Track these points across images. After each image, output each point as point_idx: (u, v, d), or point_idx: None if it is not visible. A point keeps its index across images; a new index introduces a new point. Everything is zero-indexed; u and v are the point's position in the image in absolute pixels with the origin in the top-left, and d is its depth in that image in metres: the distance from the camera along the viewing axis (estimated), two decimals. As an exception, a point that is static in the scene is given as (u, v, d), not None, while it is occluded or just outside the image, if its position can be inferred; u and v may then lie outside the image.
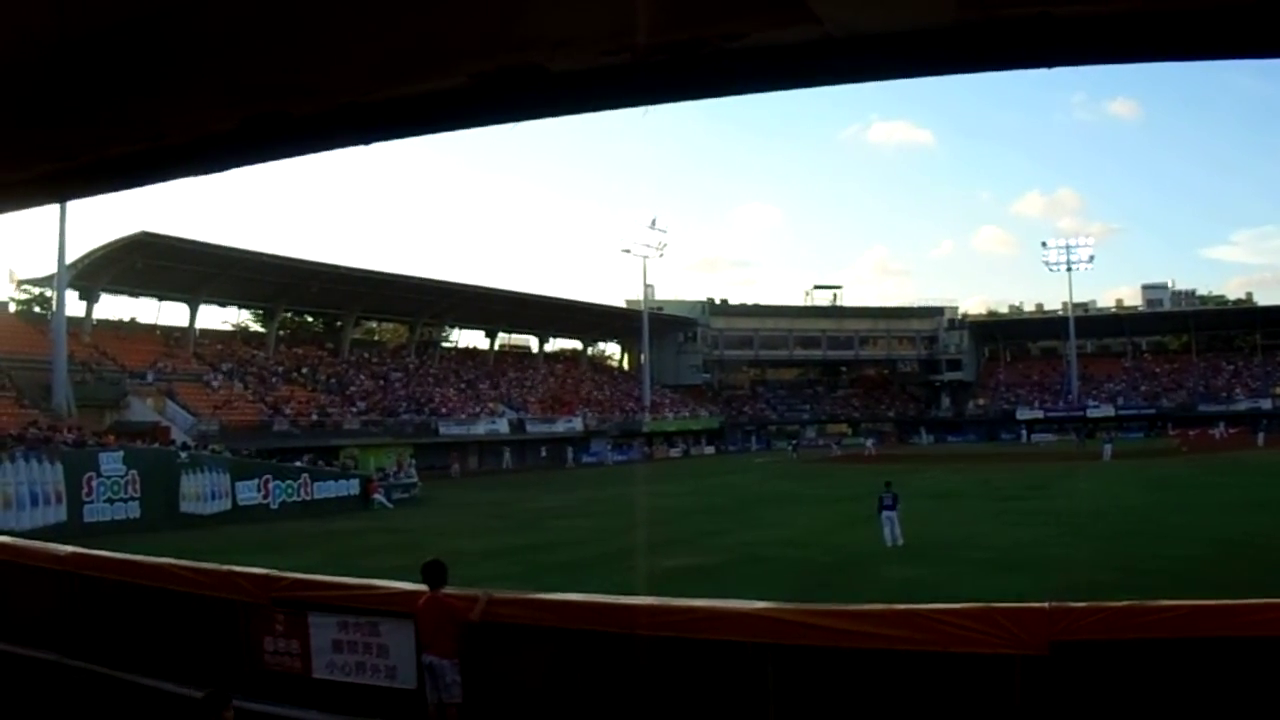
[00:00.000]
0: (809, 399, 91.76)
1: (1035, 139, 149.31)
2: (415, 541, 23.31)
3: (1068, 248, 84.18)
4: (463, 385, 66.53)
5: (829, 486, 40.13)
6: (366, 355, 65.43)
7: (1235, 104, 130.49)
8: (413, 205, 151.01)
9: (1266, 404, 74.39)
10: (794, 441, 76.46)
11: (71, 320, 43.26)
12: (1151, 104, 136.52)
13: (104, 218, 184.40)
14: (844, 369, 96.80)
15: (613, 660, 7.09)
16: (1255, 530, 21.33)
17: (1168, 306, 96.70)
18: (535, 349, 79.69)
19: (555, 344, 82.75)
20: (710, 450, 78.21)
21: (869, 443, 71.98)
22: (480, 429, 61.65)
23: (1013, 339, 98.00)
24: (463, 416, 61.35)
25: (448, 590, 7.72)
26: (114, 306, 54.59)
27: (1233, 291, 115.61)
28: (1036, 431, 79.73)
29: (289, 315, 65.23)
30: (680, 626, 6.81)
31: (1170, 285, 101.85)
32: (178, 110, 2.31)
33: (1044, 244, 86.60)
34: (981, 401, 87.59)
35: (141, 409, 43.15)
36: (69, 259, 40.79)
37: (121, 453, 30.87)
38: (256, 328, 61.97)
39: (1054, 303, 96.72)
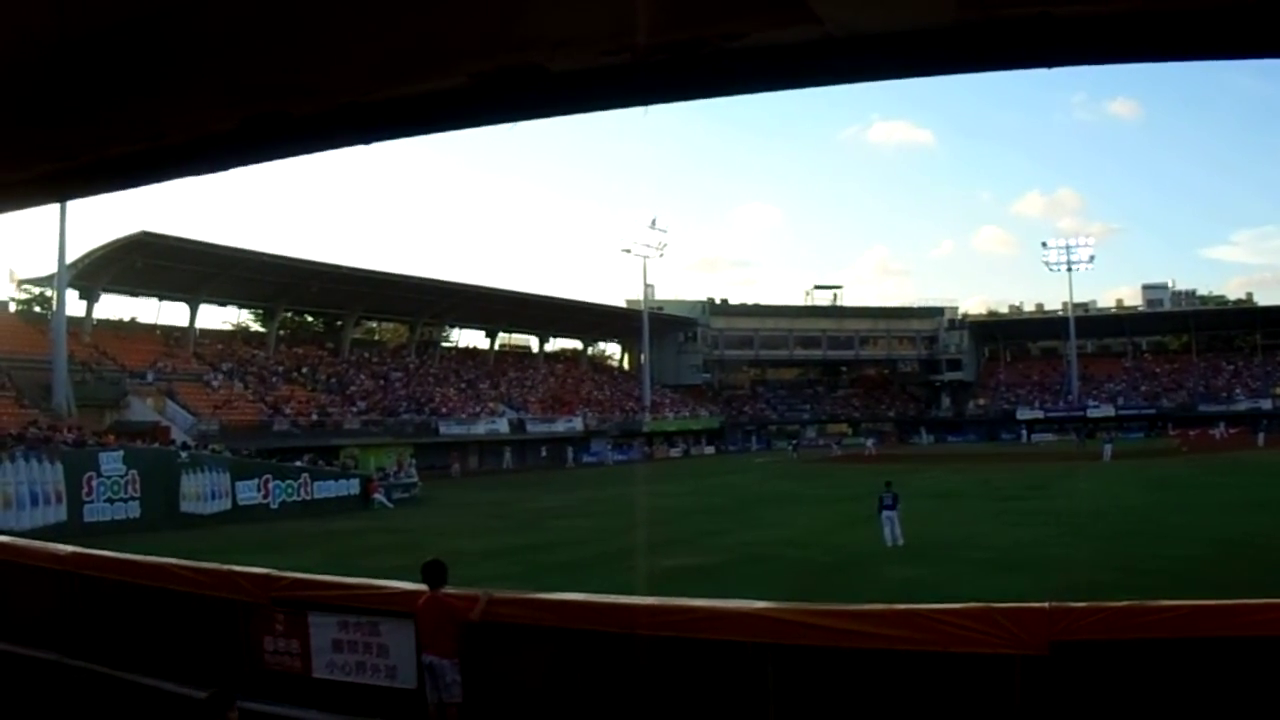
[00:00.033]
0: (809, 399, 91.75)
1: (1035, 139, 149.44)
2: (415, 541, 23.30)
3: (1068, 248, 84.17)
4: (463, 385, 66.53)
5: (829, 486, 40.12)
6: (367, 355, 65.43)
7: (1235, 104, 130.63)
8: (413, 205, 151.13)
9: (1267, 404, 74.37)
10: (794, 441, 76.46)
11: (71, 320, 43.27)
12: (1151, 104, 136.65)
13: (104, 217, 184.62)
14: (844, 369, 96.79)
15: (613, 660, 7.09)
16: (1255, 530, 21.33)
17: (1168, 306, 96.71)
18: (535, 349, 79.70)
19: (555, 344, 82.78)
20: (710, 450, 78.19)
21: (869, 443, 71.97)
22: (480, 429, 61.65)
23: (1013, 339, 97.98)
24: (463, 416, 61.35)
25: (448, 590, 7.72)
26: (114, 306, 54.68)
27: (1233, 291, 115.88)
28: (1037, 431, 79.72)
29: (289, 315, 65.23)
30: (680, 626, 6.81)
31: (1170, 285, 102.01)
32: (178, 110, 2.31)
33: (1044, 244, 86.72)
34: (982, 401, 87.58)
35: (141, 409, 43.15)
36: (69, 259, 40.79)
37: (121, 452, 30.87)
38: (257, 327, 61.97)
39: (1054, 303, 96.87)
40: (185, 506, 31.57)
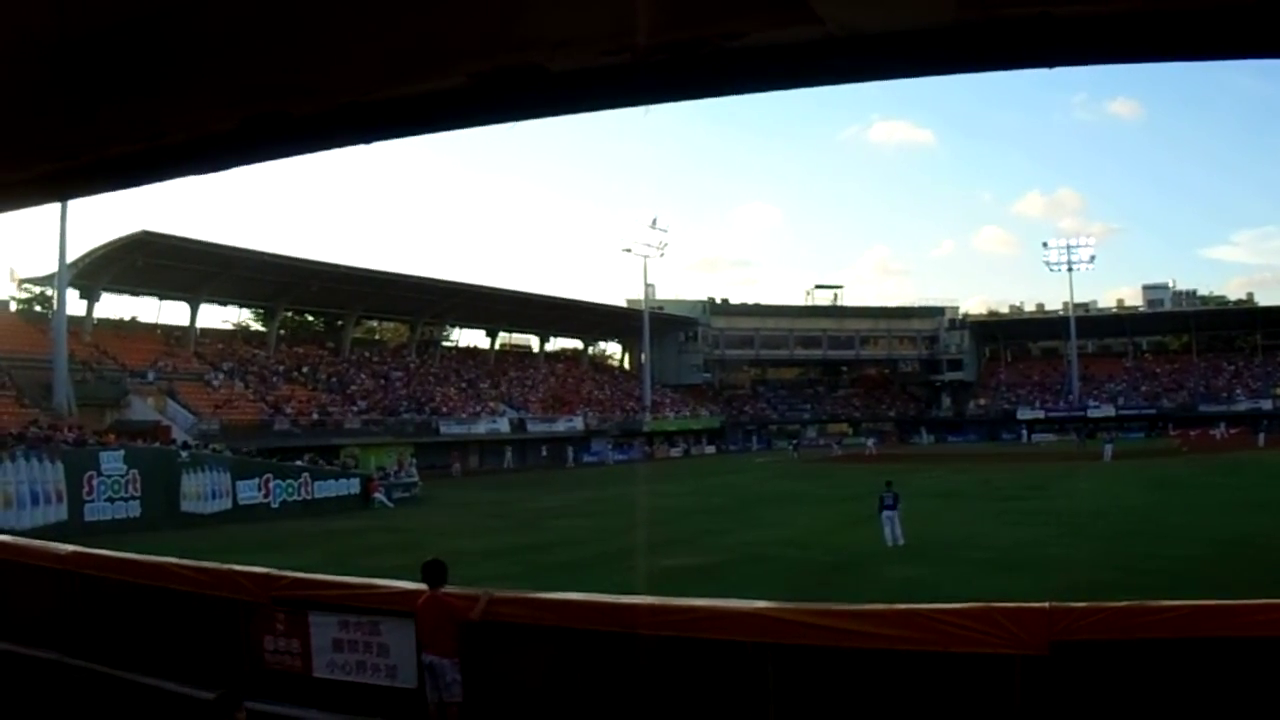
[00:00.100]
0: (810, 399, 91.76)
1: (1035, 139, 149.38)
2: (416, 541, 23.31)
3: (1068, 248, 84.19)
4: (463, 385, 66.55)
5: (830, 486, 40.13)
6: (367, 354, 65.46)
7: (1235, 104, 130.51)
8: (413, 205, 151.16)
9: (1267, 404, 74.35)
10: (795, 441, 76.47)
11: (72, 319, 43.30)
12: (1151, 104, 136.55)
13: (104, 217, 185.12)
14: (845, 369, 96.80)
15: (613, 660, 7.10)
16: (1255, 530, 21.34)
17: (1168, 307, 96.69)
18: (536, 348, 79.72)
19: (556, 343, 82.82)
20: (711, 450, 78.21)
21: (870, 442, 71.97)
22: (481, 428, 61.67)
23: (1013, 339, 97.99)
24: (463, 416, 61.37)
25: (448, 589, 7.73)
26: (115, 305, 54.80)
27: (1233, 292, 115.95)
28: (1037, 431, 79.72)
29: (290, 314, 65.26)
30: (681, 626, 6.81)
31: (1171, 285, 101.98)
32: (178, 110, 2.31)
33: (1045, 244, 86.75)
34: (982, 401, 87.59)
35: (142, 408, 43.17)
36: (70, 258, 40.80)
37: (122, 452, 30.88)
38: (257, 327, 62.01)
39: (1054, 303, 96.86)
40: (186, 506, 31.59)
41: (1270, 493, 29.56)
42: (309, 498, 35.86)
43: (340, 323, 65.40)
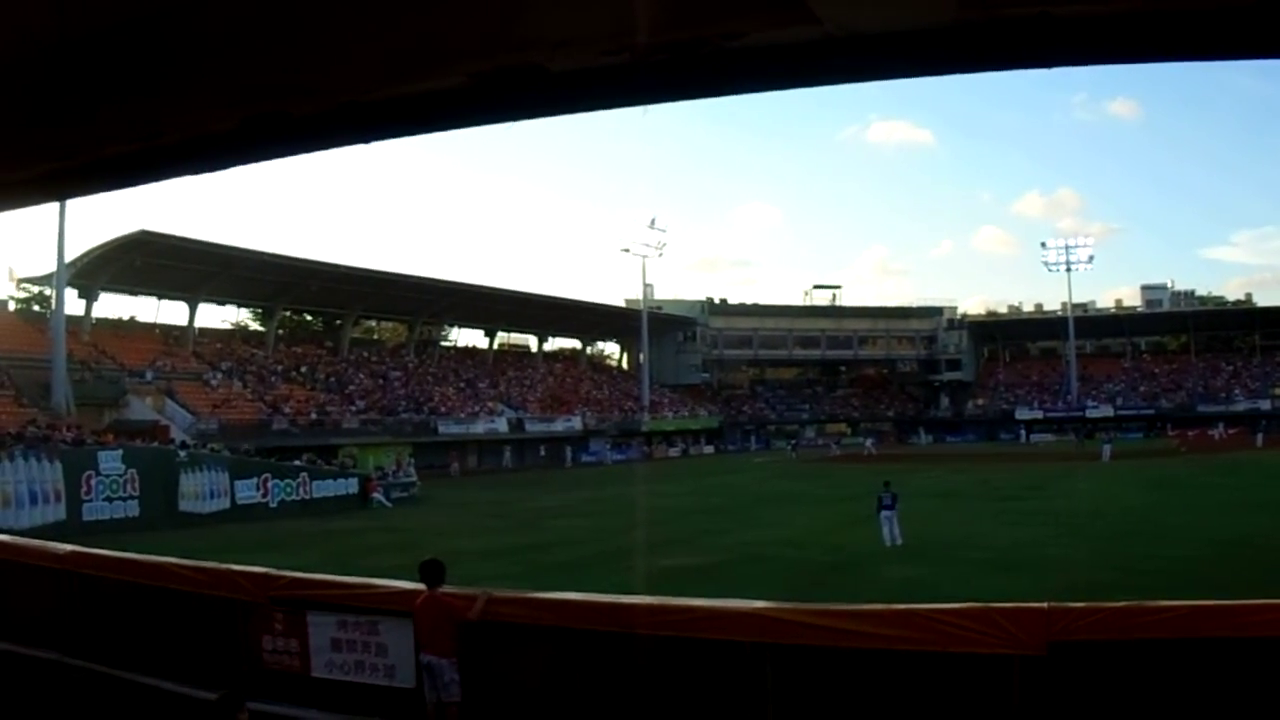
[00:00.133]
0: (808, 399, 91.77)
1: (1035, 139, 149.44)
2: (414, 541, 23.30)
3: (1067, 248, 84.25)
4: (462, 384, 66.54)
5: (828, 486, 40.14)
6: (366, 354, 65.44)
7: (1235, 104, 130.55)
8: (413, 205, 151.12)
9: (1265, 404, 74.41)
10: (793, 441, 76.43)
11: (71, 319, 43.27)
12: (1151, 104, 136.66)
13: (103, 216, 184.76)
14: (843, 369, 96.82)
15: (612, 660, 7.10)
16: (1254, 530, 21.36)
17: (1167, 307, 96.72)
18: (534, 348, 79.70)
19: (554, 343, 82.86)
20: (709, 450, 78.20)
21: (868, 442, 71.97)
22: (479, 428, 61.66)
23: (1012, 339, 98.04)
24: (462, 415, 61.35)
25: (446, 589, 7.73)
26: (113, 305, 54.77)
27: (1232, 292, 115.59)
28: (1035, 432, 79.75)
29: (288, 314, 65.22)
30: (679, 626, 6.81)
31: (1170, 286, 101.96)
32: (177, 110, 2.31)
33: (1044, 244, 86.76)
34: (980, 401, 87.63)
35: (141, 408, 43.15)
36: (68, 257, 40.81)
37: (120, 451, 30.86)
38: (256, 326, 62.00)
39: (1053, 303, 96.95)
40: (184, 505, 31.57)
41: (1269, 493, 29.59)
42: (307, 497, 35.84)
43: (339, 322, 65.38)
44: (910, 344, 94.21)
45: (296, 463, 38.54)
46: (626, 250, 76.60)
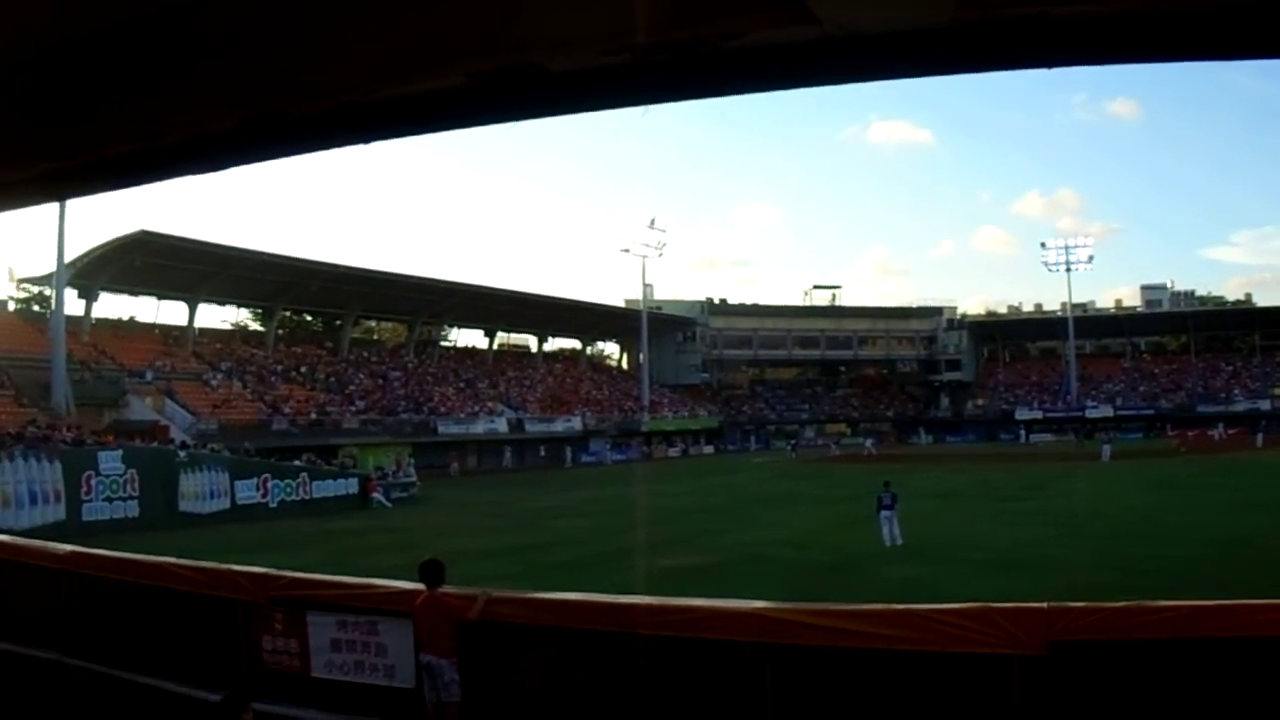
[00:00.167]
0: (808, 399, 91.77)
1: (1035, 139, 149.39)
2: (414, 541, 23.30)
3: (1067, 248, 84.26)
4: (462, 384, 66.53)
5: (828, 486, 40.13)
6: (365, 354, 65.42)
7: (1235, 104, 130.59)
8: (413, 205, 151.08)
9: (1265, 405, 74.40)
10: (793, 441, 76.40)
11: (70, 319, 43.26)
12: (1151, 104, 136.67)
13: (103, 216, 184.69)
14: (843, 369, 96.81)
15: (612, 660, 7.10)
16: (1254, 530, 21.35)
17: (1167, 307, 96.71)
18: (534, 348, 79.70)
19: (554, 343, 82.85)
20: (709, 450, 78.20)
21: (868, 443, 71.96)
22: (479, 428, 61.65)
23: (1012, 339, 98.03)
24: (462, 416, 61.35)
25: (446, 589, 7.72)
26: (113, 305, 54.75)
27: (1232, 292, 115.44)
28: (1035, 432, 79.74)
29: (288, 314, 65.21)
30: (679, 626, 6.81)
31: (1169, 286, 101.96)
32: (177, 110, 2.31)
33: (1043, 244, 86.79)
34: (980, 402, 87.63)
35: (140, 408, 43.13)
36: (68, 258, 40.80)
37: (120, 451, 30.85)
38: (256, 326, 61.99)
39: (1053, 303, 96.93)
40: (184, 506, 31.55)
41: (1268, 493, 29.58)
42: (307, 497, 35.81)
43: (339, 322, 65.37)
44: (910, 344, 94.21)
45: (296, 463, 38.53)
46: (626, 250, 76.69)
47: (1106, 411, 79.34)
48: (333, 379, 57.96)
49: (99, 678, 9.02)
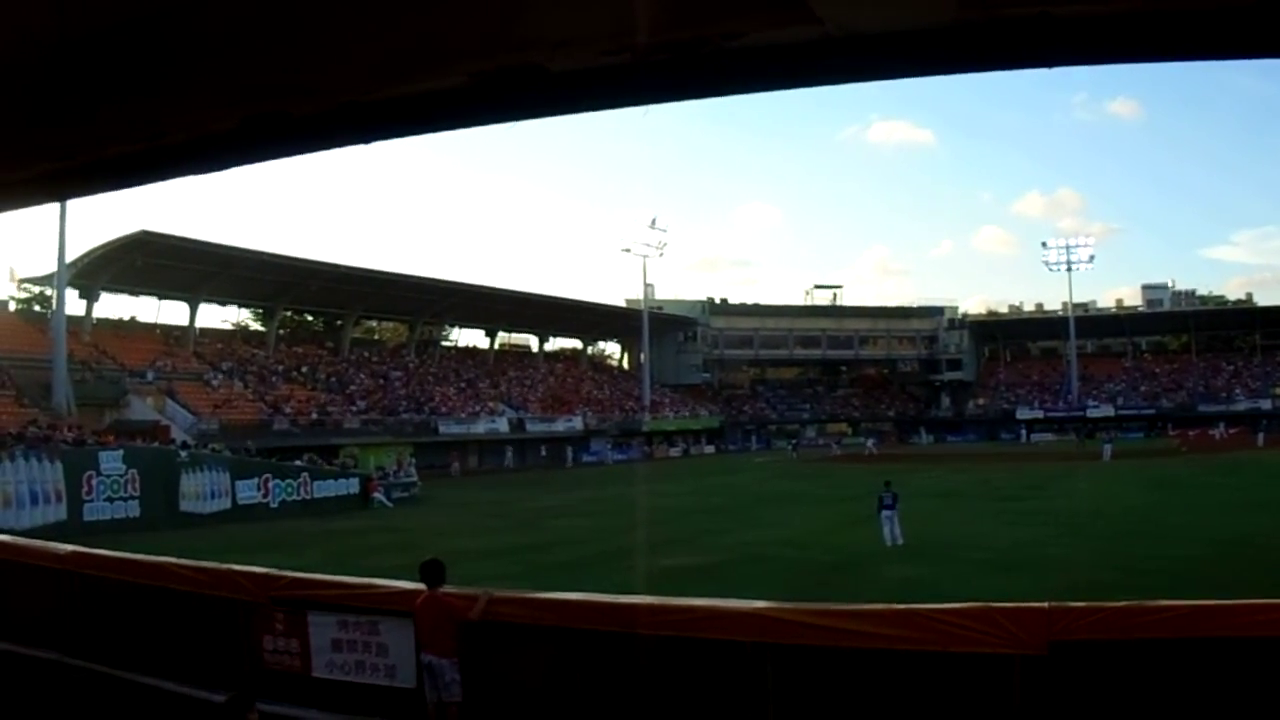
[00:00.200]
0: (809, 398, 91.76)
1: (1035, 139, 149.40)
2: (415, 541, 23.29)
3: (1068, 248, 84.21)
4: (463, 384, 66.54)
5: (829, 486, 40.12)
6: (366, 354, 65.43)
7: (1235, 104, 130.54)
8: (413, 205, 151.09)
9: (1266, 404, 74.38)
10: (794, 441, 76.42)
11: (71, 319, 43.26)
12: (1151, 104, 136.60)
13: (104, 216, 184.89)
14: (844, 369, 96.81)
15: (613, 659, 7.10)
16: (1255, 530, 21.34)
17: (1168, 306, 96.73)
18: (535, 348, 79.70)
19: (555, 343, 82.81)
20: (710, 450, 78.19)
21: (869, 442, 71.93)
22: (480, 428, 61.66)
23: (1013, 339, 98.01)
24: (463, 415, 61.35)
25: (446, 589, 7.72)
26: (114, 305, 54.77)
27: (1233, 292, 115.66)
28: (1036, 431, 79.75)
29: (289, 314, 65.25)
30: (680, 626, 6.81)
31: (1170, 285, 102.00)
32: (178, 110, 2.31)
33: (1044, 244, 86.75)
34: (981, 401, 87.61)
35: (141, 408, 43.15)
36: (69, 258, 40.79)
37: (121, 451, 30.86)
38: (256, 326, 62.00)
39: (1054, 303, 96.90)
40: (185, 506, 31.57)
41: (1270, 493, 29.56)
42: (308, 497, 35.83)
43: (339, 322, 65.39)
44: (911, 344, 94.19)
45: (297, 463, 38.55)
46: (627, 250, 76.69)
47: (1107, 411, 79.31)
48: (334, 379, 57.97)
49: (100, 678, 9.02)
